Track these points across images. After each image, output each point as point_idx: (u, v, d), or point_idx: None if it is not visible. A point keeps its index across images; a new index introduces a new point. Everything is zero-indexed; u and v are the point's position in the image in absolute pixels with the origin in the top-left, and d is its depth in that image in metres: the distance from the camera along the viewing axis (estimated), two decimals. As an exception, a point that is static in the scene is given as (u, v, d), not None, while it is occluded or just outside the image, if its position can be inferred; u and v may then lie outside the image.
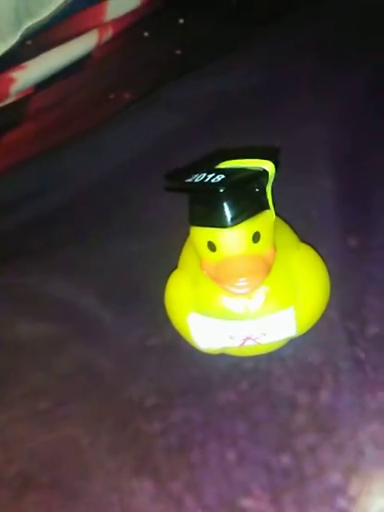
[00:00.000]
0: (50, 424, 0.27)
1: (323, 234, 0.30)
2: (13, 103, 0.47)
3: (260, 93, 0.41)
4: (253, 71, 0.43)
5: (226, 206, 0.21)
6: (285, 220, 0.28)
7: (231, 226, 0.22)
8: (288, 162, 0.32)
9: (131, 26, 0.53)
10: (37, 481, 0.25)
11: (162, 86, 0.45)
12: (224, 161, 0.24)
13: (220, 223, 0.22)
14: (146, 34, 0.52)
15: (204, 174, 0.22)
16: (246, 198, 0.22)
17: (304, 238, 0.28)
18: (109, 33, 0.53)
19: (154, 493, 0.23)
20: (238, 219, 0.22)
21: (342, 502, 0.21)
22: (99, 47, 0.52)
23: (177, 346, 0.27)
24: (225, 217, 0.22)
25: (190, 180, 0.22)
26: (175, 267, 0.27)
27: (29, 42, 0.51)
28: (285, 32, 0.43)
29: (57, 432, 0.27)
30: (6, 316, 0.33)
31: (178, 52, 0.50)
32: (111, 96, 0.47)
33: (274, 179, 0.23)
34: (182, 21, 0.52)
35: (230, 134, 0.38)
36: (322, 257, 0.26)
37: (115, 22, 0.53)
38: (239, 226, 0.22)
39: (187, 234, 0.28)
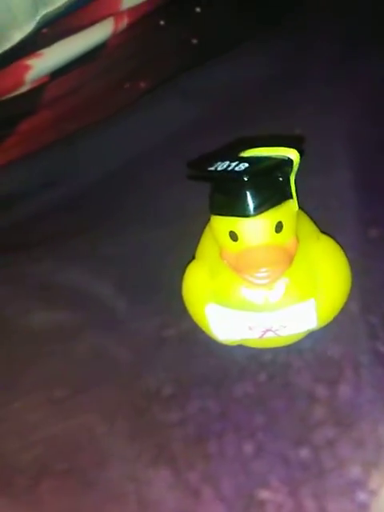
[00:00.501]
0: (66, 411, 0.27)
1: (343, 224, 0.29)
2: (28, 91, 0.47)
3: (277, 82, 0.41)
4: (271, 60, 0.43)
5: (249, 194, 0.21)
6: (304, 210, 0.28)
7: (254, 215, 0.21)
8: (306, 151, 0.32)
9: (147, 15, 0.53)
10: (53, 468, 0.25)
11: (178, 75, 0.45)
12: (247, 149, 0.23)
13: (242, 212, 0.21)
14: (162, 22, 0.52)
15: (227, 162, 0.22)
16: (270, 187, 0.22)
17: (323, 228, 0.27)
18: (124, 21, 0.52)
19: (170, 482, 0.23)
20: (260, 209, 0.21)
21: (361, 496, 0.21)
22: (115, 36, 0.51)
23: (194, 336, 0.27)
24: (247, 206, 0.21)
25: (212, 168, 0.22)
26: (191, 257, 0.27)
27: (45, 30, 0.50)
28: (304, 20, 0.43)
29: (73, 420, 0.27)
30: (21, 304, 0.33)
31: (195, 41, 0.49)
32: (127, 85, 0.46)
33: (298, 168, 0.23)
34: (198, 9, 0.51)
35: (247, 123, 0.37)
36: (342, 248, 0.26)
37: (131, 10, 0.52)
38: (262, 215, 0.22)
39: (204, 223, 0.28)
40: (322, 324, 0.24)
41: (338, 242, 0.26)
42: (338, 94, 0.35)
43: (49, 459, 0.26)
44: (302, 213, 0.27)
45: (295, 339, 0.25)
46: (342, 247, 0.26)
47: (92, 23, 0.51)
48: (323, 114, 0.35)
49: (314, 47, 0.40)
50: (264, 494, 0.22)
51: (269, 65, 0.42)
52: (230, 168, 0.21)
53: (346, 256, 0.26)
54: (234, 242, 0.22)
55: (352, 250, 0.27)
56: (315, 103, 0.36)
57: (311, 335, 0.25)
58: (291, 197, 0.23)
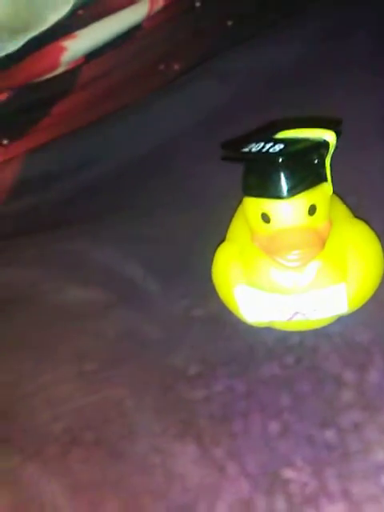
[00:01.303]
0: (95, 385, 0.28)
1: (376, 209, 0.29)
2: (64, 73, 0.47)
3: (312, 65, 0.40)
4: (305, 43, 0.42)
5: (282, 176, 0.21)
6: (337, 194, 0.28)
7: (287, 197, 0.21)
8: (342, 136, 0.32)
9: (182, -4, 0.52)
10: (82, 438, 0.26)
11: (213, 57, 0.44)
12: (284, 130, 0.23)
13: (276, 194, 0.22)
14: (197, 4, 0.52)
15: (261, 143, 0.22)
16: (304, 169, 0.22)
17: (356, 213, 0.27)
18: (160, 3, 0.52)
19: (196, 457, 0.24)
20: (294, 191, 0.21)
21: (386, 480, 0.21)
22: (150, 17, 0.51)
23: (222, 317, 0.27)
24: (281, 188, 0.21)
25: (246, 149, 0.22)
26: (222, 238, 0.27)
27: (80, 12, 0.51)
28: (339, 3, 0.42)
29: (102, 393, 0.27)
30: (55, 281, 0.34)
31: (230, 23, 0.49)
32: (161, 67, 0.47)
33: (334, 150, 0.23)
34: (234, -9, 0.51)
35: (281, 106, 0.37)
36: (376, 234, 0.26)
37: (167, -9, 0.52)
38: (295, 197, 0.22)
39: (235, 206, 0.28)
40: (353, 309, 0.24)
41: (371, 228, 0.26)
42: (373, 77, 0.35)
43: (78, 430, 0.26)
44: (335, 197, 0.27)
45: (324, 323, 0.25)
46: (375, 233, 0.26)
47: (127, 4, 0.51)
48: (357, 98, 0.34)
49: (349, 29, 0.39)
50: (288, 473, 0.22)
51: (304, 47, 0.42)
52: (264, 149, 0.21)
53: (379, 242, 0.25)
54: (266, 224, 0.22)
55: (381, 236, 0.27)
56: (350, 87, 0.36)
57: (340, 320, 0.25)
58: (326, 180, 0.23)
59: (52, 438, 0.27)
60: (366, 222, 0.26)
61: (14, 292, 0.34)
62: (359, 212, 0.27)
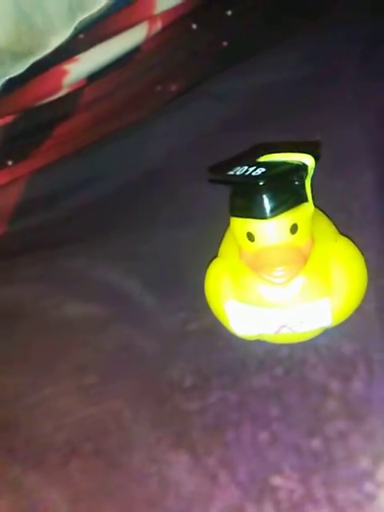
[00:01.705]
0: (94, 397, 0.29)
1: (363, 226, 0.30)
2: (66, 95, 0.49)
3: (305, 85, 0.41)
4: (299, 64, 0.44)
5: (265, 198, 0.22)
6: (325, 212, 0.29)
7: (270, 217, 0.23)
8: (330, 154, 0.33)
9: (180, 19, 0.54)
10: (82, 449, 0.27)
11: (209, 78, 0.46)
12: (266, 154, 0.25)
13: (259, 215, 0.23)
14: (194, 26, 0.53)
15: (246, 167, 0.23)
16: (285, 190, 0.23)
17: (344, 230, 0.28)
18: (158, 25, 0.54)
19: (190, 466, 0.25)
20: (276, 211, 0.23)
21: (369, 487, 0.22)
22: (148, 40, 0.53)
23: (215, 331, 0.28)
24: (264, 209, 0.23)
25: (232, 172, 0.23)
26: (215, 255, 0.29)
27: (81, 36, 0.52)
28: (332, 25, 0.43)
29: (101, 405, 0.29)
30: (56, 297, 0.36)
31: (225, 44, 0.50)
32: (158, 88, 0.48)
33: (314, 172, 0.24)
34: (229, 13, 0.52)
35: (275, 126, 0.38)
36: (360, 249, 0.27)
37: (164, 14, 0.54)
38: (277, 217, 0.23)
39: (229, 223, 0.29)
40: (337, 322, 0.25)
41: (356, 244, 0.27)
42: (362, 97, 0.36)
43: (78, 441, 0.28)
44: (321, 214, 0.28)
45: (311, 336, 0.26)
46: (360, 248, 0.27)
47: (127, 28, 0.53)
48: (347, 117, 0.36)
49: (340, 50, 0.40)
50: (277, 481, 0.23)
51: (296, 67, 0.43)
52: (247, 172, 0.23)
53: (365, 257, 0.27)
54: (251, 242, 0.24)
55: (370, 252, 0.28)
56: (340, 107, 0.37)
57: (327, 332, 0.26)
58: (306, 200, 0.24)
59: (53, 449, 0.28)
60: (353, 237, 0.27)
61: (16, 308, 0.35)
62: (349, 228, 0.29)
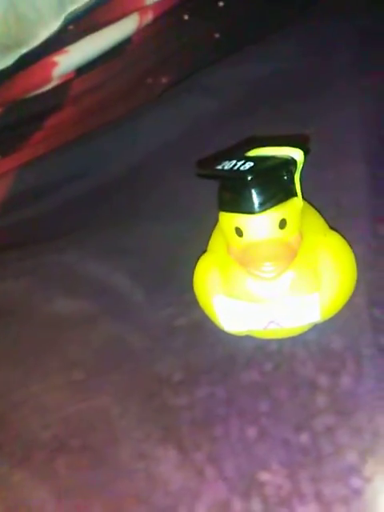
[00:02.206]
0: (83, 393, 0.29)
1: (353, 220, 0.30)
2: (55, 87, 0.48)
3: (297, 77, 0.41)
4: (291, 55, 0.43)
5: (253, 192, 0.22)
6: (315, 206, 0.29)
7: (258, 212, 0.22)
8: (321, 148, 0.33)
9: (171, 10, 0.54)
10: (69, 445, 0.27)
11: (200, 70, 0.46)
12: (255, 148, 0.24)
13: (247, 209, 0.23)
14: (185, 17, 0.53)
15: (234, 161, 0.23)
16: (274, 185, 0.23)
17: (334, 224, 0.28)
18: (149, 16, 0.53)
19: (177, 462, 0.25)
20: (264, 206, 0.22)
21: (356, 482, 0.22)
22: (139, 31, 0.52)
23: (204, 326, 0.28)
24: (252, 203, 0.22)
25: (220, 167, 0.23)
26: (205, 249, 0.28)
27: (71, 27, 0.52)
28: (324, 17, 0.43)
29: (89, 401, 0.28)
30: (44, 292, 0.35)
31: (217, 36, 0.50)
32: (149, 80, 0.48)
33: (303, 167, 0.24)
34: (221, 4, 0.52)
35: (266, 118, 0.38)
36: (350, 243, 0.26)
37: (156, 5, 0.53)
38: (266, 212, 0.23)
39: (218, 218, 0.29)
40: (326, 317, 0.25)
41: (346, 238, 0.27)
42: (353, 91, 0.36)
43: (65, 437, 0.27)
44: (311, 208, 0.28)
45: (300, 331, 0.26)
46: (350, 243, 0.27)
47: (117, 19, 0.53)
48: (338, 110, 0.35)
49: (330, 43, 0.40)
50: (264, 476, 0.23)
51: (289, 59, 0.43)
52: (236, 167, 0.22)
53: (354, 251, 0.26)
54: (239, 237, 0.23)
55: (360, 246, 0.28)
56: (332, 99, 0.37)
57: (316, 327, 0.26)
58: (295, 195, 0.24)
59: (40, 445, 0.28)
60: (343, 232, 0.27)
61: (5, 303, 0.35)
62: (339, 223, 0.29)
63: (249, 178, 0.21)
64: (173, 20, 0.53)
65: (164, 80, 0.47)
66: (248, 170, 0.22)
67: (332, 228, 0.28)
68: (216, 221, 0.29)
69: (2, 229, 0.40)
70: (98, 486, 0.25)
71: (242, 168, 0.22)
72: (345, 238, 0.27)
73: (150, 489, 0.24)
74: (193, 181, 0.37)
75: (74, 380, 0.30)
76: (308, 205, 0.28)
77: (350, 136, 0.34)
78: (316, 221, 0.27)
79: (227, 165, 0.23)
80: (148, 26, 0.53)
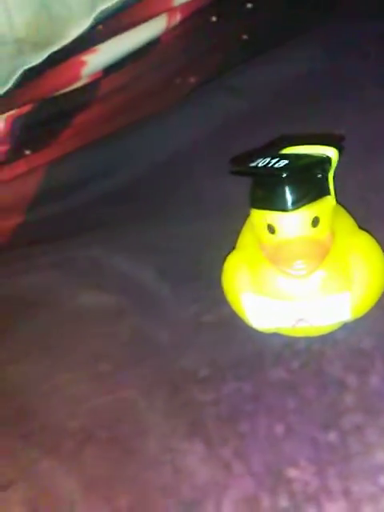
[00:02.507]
0: (109, 386, 0.29)
1: (382, 220, 0.30)
2: (84, 86, 0.49)
3: (326, 79, 0.41)
4: (319, 57, 0.43)
5: (287, 190, 0.22)
6: (345, 206, 0.29)
7: (291, 210, 0.23)
8: (351, 149, 0.33)
9: (199, 11, 0.54)
10: (97, 436, 0.27)
11: (228, 70, 0.46)
12: (289, 146, 0.25)
13: (280, 207, 0.23)
14: (213, 18, 0.53)
15: (268, 159, 0.23)
16: (308, 183, 0.23)
17: (363, 224, 0.28)
18: (177, 17, 0.54)
19: (204, 456, 0.25)
20: (298, 204, 0.23)
21: (385, 480, 0.22)
22: (167, 32, 0.53)
23: (231, 322, 0.28)
24: (285, 201, 0.23)
25: (254, 164, 0.23)
26: (233, 247, 0.29)
27: (100, 27, 0.52)
28: (352, 18, 0.43)
29: (116, 393, 0.29)
30: (71, 286, 0.36)
31: (245, 37, 0.50)
32: (177, 80, 0.48)
33: (337, 166, 0.24)
34: (250, 6, 0.52)
35: (294, 119, 0.38)
36: (379, 243, 0.26)
37: (184, 6, 0.54)
38: (299, 210, 0.23)
39: (245, 216, 0.29)
40: (356, 317, 0.25)
41: (376, 238, 0.27)
42: (381, 92, 0.36)
43: (93, 428, 0.28)
44: (340, 208, 0.28)
45: (329, 330, 0.26)
46: (379, 242, 0.27)
47: (146, 19, 0.53)
48: (368, 111, 0.35)
49: (360, 44, 0.40)
50: (292, 473, 0.23)
51: (317, 60, 0.43)
52: (270, 164, 0.22)
53: (383, 252, 0.26)
54: (271, 235, 0.24)
55: (390, 246, 0.28)
56: (361, 101, 0.37)
57: (345, 326, 0.26)
58: (329, 193, 0.24)
59: (68, 435, 0.28)
60: (373, 232, 0.27)
61: (33, 296, 0.36)
62: (368, 223, 0.29)
63: (283, 175, 0.22)
64: (201, 21, 0.53)
65: (192, 80, 0.47)
66: (283, 167, 0.22)
67: (361, 228, 0.28)
68: (243, 219, 0.29)
69: (31, 223, 0.40)
70: (124, 478, 0.26)
71: (276, 165, 0.22)
72: (374, 237, 0.27)
73: (176, 481, 0.25)
74: (220, 179, 0.37)
75: (101, 372, 0.30)
76: (338, 204, 0.28)
77: (377, 136, 0.34)
78: (346, 220, 0.27)
79: (261, 162, 0.23)
80: (176, 26, 0.53)
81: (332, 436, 0.24)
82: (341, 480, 0.22)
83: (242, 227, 0.29)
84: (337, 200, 0.27)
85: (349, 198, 0.29)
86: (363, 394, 0.24)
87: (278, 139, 0.34)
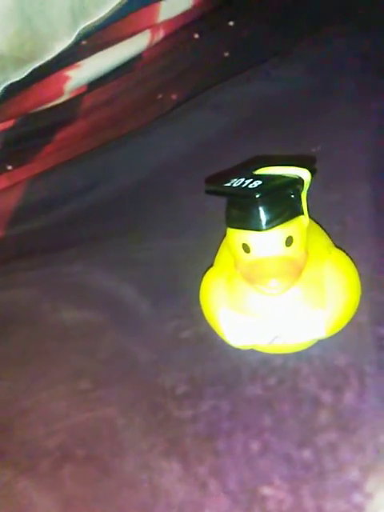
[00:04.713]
0: (88, 403, 0.29)
1: (357, 239, 0.30)
2: (67, 101, 0.49)
3: (305, 97, 0.42)
4: (299, 76, 0.44)
5: (261, 210, 0.23)
6: (320, 225, 0.29)
7: (265, 229, 0.23)
8: (327, 167, 0.33)
9: (182, 28, 0.55)
10: (74, 454, 0.27)
11: (209, 88, 0.46)
12: (263, 167, 0.25)
13: (255, 227, 0.23)
14: (196, 35, 0.54)
15: (242, 179, 0.23)
16: (281, 203, 0.23)
17: (338, 242, 0.29)
18: (160, 34, 0.54)
19: (181, 474, 0.25)
20: (272, 224, 0.23)
21: (358, 498, 0.22)
22: (150, 48, 0.53)
23: (209, 339, 0.29)
24: (259, 221, 0.23)
25: (228, 184, 0.24)
26: (212, 263, 0.29)
27: (84, 42, 0.53)
28: (332, 39, 0.44)
29: (95, 411, 0.29)
30: (52, 302, 0.36)
31: (227, 54, 0.51)
32: (159, 96, 0.49)
33: (310, 186, 0.24)
34: (232, 23, 0.53)
35: (273, 137, 0.39)
36: (354, 262, 0.27)
37: (167, 23, 0.54)
38: (273, 229, 0.23)
39: (225, 233, 0.29)
40: (330, 334, 0.26)
41: (350, 256, 0.27)
42: (357, 112, 0.37)
43: (71, 446, 0.28)
44: (316, 227, 0.29)
45: (304, 347, 0.27)
46: (354, 261, 0.27)
47: (129, 36, 0.54)
48: (345, 130, 0.36)
49: (337, 65, 0.41)
50: (266, 491, 0.24)
51: (297, 79, 0.44)
52: (244, 185, 0.23)
53: (359, 270, 0.27)
54: (246, 254, 0.24)
55: (364, 264, 0.28)
56: (338, 119, 0.37)
57: (320, 343, 0.27)
58: (302, 213, 0.24)
59: (45, 453, 0.28)
60: (348, 250, 0.28)
61: (13, 312, 0.36)
62: (344, 241, 0.29)
63: (257, 195, 0.22)
64: (183, 38, 0.54)
65: (174, 96, 0.48)
66: (256, 188, 0.22)
67: (337, 246, 0.28)
68: (223, 236, 0.29)
69: (11, 239, 0.40)
70: (101, 496, 0.26)
71: (250, 186, 0.23)
72: (349, 256, 0.27)
73: (153, 500, 0.25)
74: (200, 196, 0.37)
75: (80, 390, 0.30)
76: (313, 223, 0.28)
77: (355, 156, 0.35)
78: (321, 239, 0.28)
79: (236, 182, 0.23)
80: (159, 43, 0.54)
81: (306, 453, 0.24)
82: (315, 498, 0.23)
83: (219, 244, 0.30)
84: (313, 219, 0.28)
85: (325, 217, 0.30)
86: (338, 411, 0.25)
87: (252, 160, 0.35)
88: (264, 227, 0.23)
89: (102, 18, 0.54)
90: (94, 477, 0.27)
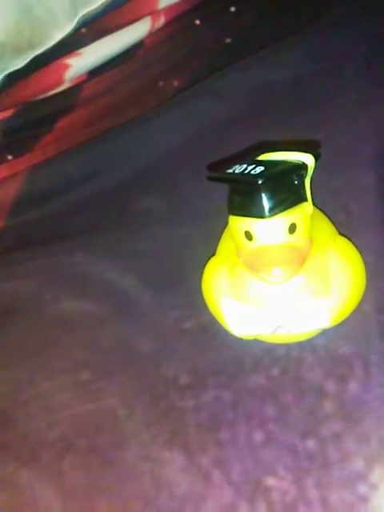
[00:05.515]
0: (90, 394, 0.29)
1: (362, 227, 0.30)
2: (67, 89, 0.49)
3: (308, 83, 0.41)
4: (301, 62, 0.43)
5: (263, 197, 0.22)
6: (324, 212, 0.29)
7: (268, 216, 0.22)
8: (331, 154, 0.33)
9: (183, 14, 0.54)
10: (76, 445, 0.27)
11: (211, 74, 0.46)
12: (265, 152, 0.24)
13: (257, 214, 0.23)
14: (197, 21, 0.53)
15: (245, 166, 0.23)
16: (284, 190, 0.23)
17: (343, 230, 0.28)
18: (161, 20, 0.53)
19: (183, 465, 0.25)
20: (275, 210, 0.22)
21: (362, 488, 0.22)
22: (151, 35, 0.53)
23: (212, 329, 0.28)
24: (262, 208, 0.22)
25: (230, 171, 0.23)
26: (214, 253, 0.28)
27: (84, 30, 0.52)
28: (336, 24, 0.43)
29: (96, 402, 0.28)
30: (54, 293, 0.36)
31: (228, 40, 0.50)
32: (160, 84, 0.48)
33: (314, 172, 0.24)
34: (233, 9, 0.52)
35: (275, 124, 0.38)
36: (359, 249, 0.26)
37: (168, 9, 0.53)
38: (276, 217, 0.23)
39: (227, 222, 0.29)
40: (334, 323, 0.25)
41: (355, 244, 0.27)
42: (362, 98, 0.36)
43: (73, 437, 0.28)
44: (320, 214, 0.28)
45: (308, 336, 0.26)
46: (359, 249, 0.27)
47: (129, 22, 0.53)
48: (349, 117, 0.35)
49: (342, 49, 0.40)
50: (270, 481, 0.23)
51: (299, 65, 0.43)
52: (246, 171, 0.22)
53: (363, 258, 0.26)
54: (249, 241, 0.24)
55: (369, 252, 0.28)
56: (342, 106, 0.36)
57: (325, 333, 0.26)
58: (306, 199, 0.24)
59: (47, 445, 0.28)
60: (352, 238, 0.27)
61: (14, 303, 0.35)
62: (348, 228, 0.29)
63: (259, 182, 0.21)
64: (184, 25, 0.53)
65: (175, 84, 0.47)
66: (258, 174, 0.22)
67: (341, 234, 0.28)
68: (225, 224, 0.29)
69: (12, 229, 0.40)
70: (104, 488, 0.25)
71: (252, 172, 0.22)
72: (354, 244, 0.27)
73: (155, 491, 0.25)
74: (202, 184, 0.37)
75: (82, 381, 0.30)
76: (317, 210, 0.28)
77: (360, 143, 0.34)
78: (326, 226, 0.27)
79: (238, 169, 0.23)
80: (160, 30, 0.53)
81: (310, 444, 0.24)
82: (319, 489, 0.22)
83: (222, 232, 0.29)
84: (317, 206, 0.27)
85: (329, 204, 0.29)
86: (342, 401, 0.24)
87: (255, 146, 0.34)
88: (267, 214, 0.22)
89: (101, 4, 0.53)
90: (95, 468, 0.26)
